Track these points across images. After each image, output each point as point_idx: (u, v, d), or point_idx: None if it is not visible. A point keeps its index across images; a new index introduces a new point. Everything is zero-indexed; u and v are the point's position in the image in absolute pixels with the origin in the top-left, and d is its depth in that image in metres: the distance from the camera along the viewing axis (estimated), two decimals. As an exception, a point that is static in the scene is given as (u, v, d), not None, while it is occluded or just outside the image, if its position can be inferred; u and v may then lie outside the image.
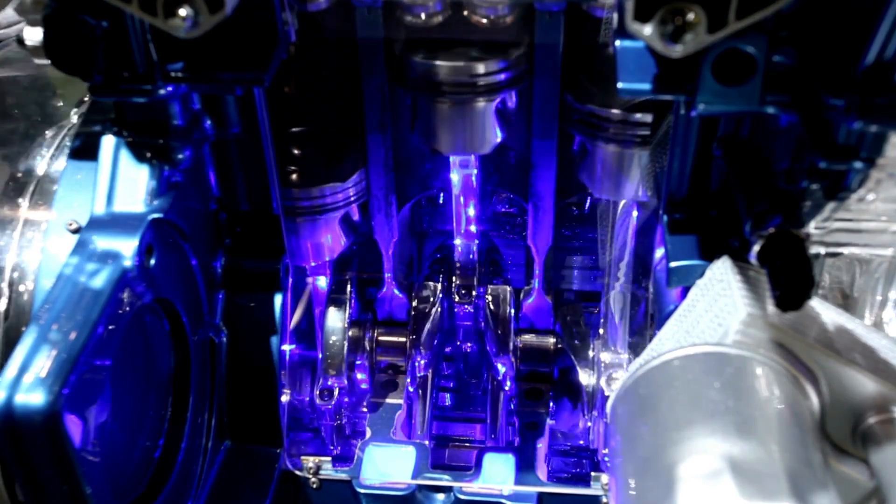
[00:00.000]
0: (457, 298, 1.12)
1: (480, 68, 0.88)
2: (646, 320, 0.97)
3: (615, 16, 0.66)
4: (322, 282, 1.11)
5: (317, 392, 1.10)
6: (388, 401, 1.16)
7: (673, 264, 0.73)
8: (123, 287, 0.72)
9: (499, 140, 0.95)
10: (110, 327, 0.70)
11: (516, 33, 0.89)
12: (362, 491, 1.04)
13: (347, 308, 1.11)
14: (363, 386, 1.16)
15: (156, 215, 0.78)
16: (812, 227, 0.72)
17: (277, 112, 0.91)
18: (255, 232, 0.97)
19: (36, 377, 0.63)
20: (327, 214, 1.00)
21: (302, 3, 0.85)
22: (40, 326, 0.66)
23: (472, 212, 1.09)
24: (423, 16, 0.88)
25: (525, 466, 1.06)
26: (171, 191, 0.82)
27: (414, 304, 1.13)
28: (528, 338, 1.15)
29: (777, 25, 0.60)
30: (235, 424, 1.00)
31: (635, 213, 0.98)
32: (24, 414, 0.63)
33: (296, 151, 0.98)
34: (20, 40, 0.74)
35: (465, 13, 0.88)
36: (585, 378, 1.06)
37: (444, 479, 1.03)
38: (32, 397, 0.63)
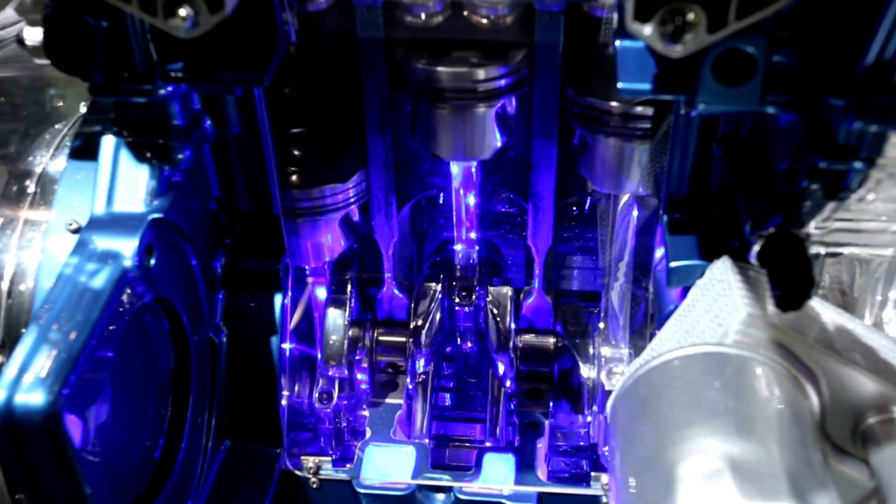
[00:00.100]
0: (457, 300, 1.13)
1: (481, 74, 0.88)
2: (646, 320, 0.97)
3: (615, 16, 0.66)
4: (321, 292, 1.11)
5: (316, 395, 1.10)
6: (388, 401, 1.16)
7: (673, 264, 0.73)
8: (123, 287, 0.72)
9: (499, 145, 0.95)
10: (110, 327, 0.70)
11: (516, 33, 0.89)
12: (362, 491, 1.04)
13: (348, 308, 1.11)
14: (363, 386, 1.16)
15: (156, 215, 0.78)
16: (812, 227, 0.72)
17: (277, 112, 0.91)
18: (255, 232, 0.97)
19: (36, 377, 0.63)
20: (327, 215, 1.00)
21: (302, 3, 0.85)
22: (40, 326, 0.66)
23: (472, 215, 1.09)
24: (423, 16, 0.88)
25: (525, 466, 1.06)
26: (171, 191, 0.82)
27: (414, 302, 1.13)
28: (528, 338, 1.15)
29: (777, 25, 0.60)
30: (235, 424, 1.00)
31: (635, 213, 0.98)
32: (24, 414, 0.63)
33: (296, 152, 0.98)
34: (20, 40, 0.74)
35: (466, 13, 0.88)
36: (586, 371, 1.06)
37: (444, 479, 1.03)
38: (32, 397, 0.63)
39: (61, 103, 0.95)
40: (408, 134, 0.98)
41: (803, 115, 0.62)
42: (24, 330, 0.68)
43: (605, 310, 1.07)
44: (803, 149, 0.65)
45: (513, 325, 1.12)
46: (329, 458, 1.07)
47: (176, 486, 0.88)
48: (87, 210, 0.79)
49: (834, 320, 0.64)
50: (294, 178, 0.97)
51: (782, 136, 0.68)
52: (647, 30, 0.54)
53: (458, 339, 1.18)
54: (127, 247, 0.74)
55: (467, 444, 1.12)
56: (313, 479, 1.05)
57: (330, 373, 1.11)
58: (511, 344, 1.11)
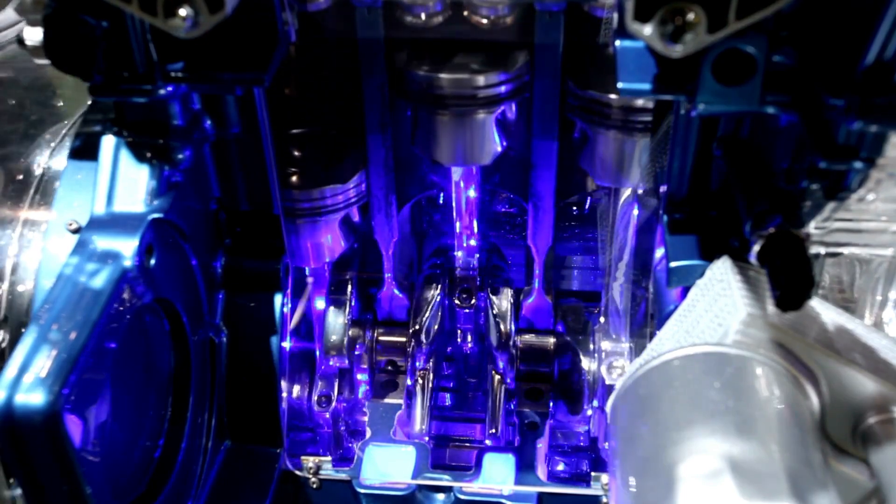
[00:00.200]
0: (458, 302, 1.13)
1: (481, 80, 0.88)
2: (646, 320, 0.97)
3: (615, 16, 0.66)
4: (321, 292, 1.11)
5: (314, 398, 1.10)
6: (388, 401, 1.16)
7: (673, 264, 0.73)
8: (123, 287, 0.72)
9: (499, 150, 0.95)
10: (110, 327, 0.70)
11: (516, 34, 0.89)
12: (362, 491, 1.04)
13: (348, 307, 1.11)
14: (362, 389, 1.16)
15: (156, 215, 0.78)
16: (812, 227, 0.72)
17: (277, 112, 0.91)
18: (255, 232, 0.97)
19: (36, 377, 0.63)
20: (327, 216, 1.00)
21: (302, 3, 0.85)
22: (40, 326, 0.66)
23: (472, 217, 1.09)
24: (423, 16, 0.88)
25: (525, 466, 1.06)
26: (171, 191, 0.82)
27: (414, 303, 1.13)
28: (528, 338, 1.15)
29: (777, 25, 0.60)
30: (235, 424, 1.00)
31: (636, 212, 0.98)
32: (24, 414, 0.63)
33: (296, 153, 0.98)
34: (20, 40, 0.74)
35: (466, 13, 0.88)
36: (587, 364, 1.06)
37: (444, 479, 1.03)
38: (32, 397, 0.63)
39: (61, 103, 0.95)
40: (408, 134, 0.99)
41: (803, 115, 0.62)
42: (24, 330, 0.68)
43: (605, 304, 1.08)
44: (803, 149, 0.65)
45: (513, 326, 1.12)
46: (329, 458, 1.07)
47: (176, 486, 0.88)
48: (87, 210, 0.79)
49: (834, 320, 0.64)
50: (294, 178, 0.97)
51: (782, 136, 0.68)
52: (647, 30, 0.54)
53: (459, 339, 1.18)
54: (127, 247, 0.74)
55: (467, 444, 1.12)
56: (313, 479, 1.05)
57: (331, 362, 1.11)
58: (511, 344, 1.11)
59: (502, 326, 1.11)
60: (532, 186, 1.01)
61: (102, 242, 0.74)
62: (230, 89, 0.81)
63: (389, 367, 1.19)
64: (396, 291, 1.16)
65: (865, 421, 0.59)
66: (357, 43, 0.91)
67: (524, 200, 1.04)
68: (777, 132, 0.69)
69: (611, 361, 1.04)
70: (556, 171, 1.00)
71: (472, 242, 1.12)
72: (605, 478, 1.03)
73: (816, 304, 0.65)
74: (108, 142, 0.80)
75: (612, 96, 0.88)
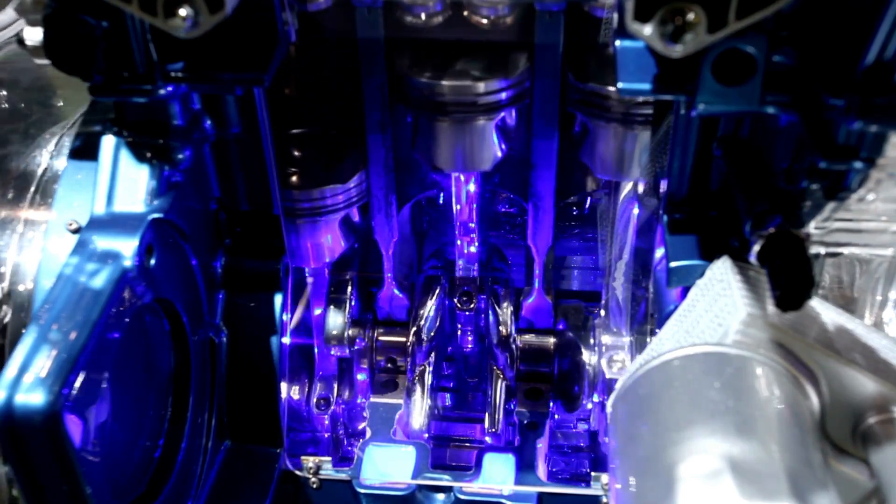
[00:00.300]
0: (458, 305, 1.13)
1: (481, 87, 0.88)
2: (646, 320, 0.97)
3: (615, 16, 0.66)
4: (321, 292, 1.11)
5: (313, 401, 1.10)
6: (388, 401, 1.16)
7: (673, 264, 0.73)
8: (123, 287, 0.72)
9: (500, 156, 0.95)
10: (110, 327, 0.70)
11: (516, 34, 0.89)
12: (362, 491, 1.04)
13: (347, 306, 1.11)
14: (360, 400, 1.16)
15: (156, 215, 0.78)
16: (812, 227, 0.72)
17: (277, 112, 0.91)
18: (255, 232, 0.97)
19: (36, 377, 0.63)
20: (327, 216, 1.00)
21: (302, 3, 0.85)
22: (40, 326, 0.66)
23: (472, 220, 1.09)
24: (423, 16, 0.88)
25: (525, 466, 1.06)
26: (171, 191, 0.82)
27: (414, 303, 1.13)
28: (528, 338, 1.15)
29: (777, 25, 0.60)
30: (235, 424, 1.00)
31: (636, 210, 0.98)
32: (24, 414, 0.63)
33: (296, 153, 0.98)
34: (20, 40, 0.74)
35: (466, 14, 0.88)
36: (587, 356, 1.06)
37: (444, 479, 1.03)
38: (32, 397, 0.63)
39: (61, 103, 0.95)
40: (408, 134, 0.99)
41: (803, 115, 0.62)
42: (24, 330, 0.68)
43: (605, 298, 1.08)
44: (803, 149, 0.65)
45: (513, 327, 1.12)
46: (329, 458, 1.07)
47: (176, 486, 0.88)
48: (87, 210, 0.79)
49: (834, 320, 0.64)
50: (294, 178, 0.97)
51: (782, 136, 0.68)
52: (647, 30, 0.54)
53: (459, 340, 1.18)
54: (127, 247, 0.74)
55: (467, 444, 1.12)
56: (313, 479, 1.05)
57: (332, 352, 1.11)
58: (511, 344, 1.11)
59: (503, 328, 1.11)
60: (532, 186, 1.01)
61: (102, 242, 0.74)
62: (230, 89, 0.81)
63: (389, 365, 1.19)
64: (396, 291, 1.16)
65: (865, 421, 0.59)
66: (357, 43, 0.91)
67: (524, 200, 1.04)
68: (777, 132, 0.69)
69: (611, 355, 1.04)
70: (556, 171, 1.00)
71: (473, 249, 1.12)
72: (605, 478, 1.03)
73: (816, 304, 0.65)
74: (108, 142, 0.80)
75: (612, 89, 0.88)
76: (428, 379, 1.09)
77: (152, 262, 0.77)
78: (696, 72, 0.60)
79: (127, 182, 0.80)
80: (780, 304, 0.58)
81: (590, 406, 1.07)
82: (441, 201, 1.15)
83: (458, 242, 1.12)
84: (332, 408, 1.11)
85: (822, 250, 0.73)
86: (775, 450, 0.53)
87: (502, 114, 0.92)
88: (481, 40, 0.90)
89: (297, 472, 1.05)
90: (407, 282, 1.18)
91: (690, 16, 0.53)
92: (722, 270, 0.68)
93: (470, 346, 1.18)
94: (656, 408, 0.59)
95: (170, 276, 0.82)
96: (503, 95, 0.90)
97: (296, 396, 1.08)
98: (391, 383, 1.19)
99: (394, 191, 1.04)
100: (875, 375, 0.59)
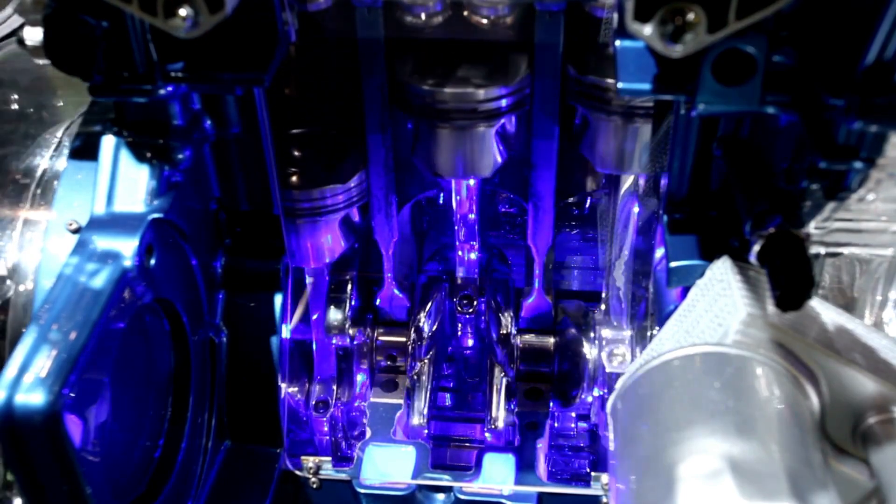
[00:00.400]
0: (459, 309, 1.13)
1: (481, 94, 0.88)
2: (646, 319, 0.97)
3: (615, 16, 0.66)
4: (320, 292, 1.11)
5: (312, 404, 1.10)
6: (388, 401, 1.16)
7: (673, 264, 0.73)
8: (123, 287, 0.72)
9: (500, 162, 0.95)
10: (110, 327, 0.70)
11: (516, 33, 0.89)
12: (362, 491, 1.04)
13: (347, 306, 1.11)
14: (357, 405, 1.16)
15: (156, 215, 0.78)
16: (812, 227, 0.72)
17: (277, 112, 0.91)
18: (255, 232, 0.97)
19: (36, 377, 0.63)
20: (327, 216, 1.00)
21: (302, 3, 0.85)
22: (40, 326, 0.66)
23: (472, 224, 1.09)
24: (423, 16, 0.88)
25: (525, 466, 1.06)
26: (171, 191, 0.82)
27: (415, 303, 1.13)
28: (528, 338, 1.15)
29: (777, 25, 0.60)
30: (235, 424, 1.00)
31: (636, 209, 0.98)
32: (24, 414, 0.63)
33: (296, 153, 0.98)
34: (20, 40, 0.74)
35: (466, 13, 0.88)
36: (587, 350, 1.07)
37: (444, 479, 1.03)
38: (32, 397, 0.63)
39: (61, 103, 0.95)
40: (408, 134, 0.99)
41: (803, 115, 0.62)
42: (24, 330, 0.68)
43: (606, 293, 1.08)
44: (803, 149, 0.65)
45: (513, 327, 1.12)
46: (329, 458, 1.07)
47: (176, 486, 0.88)
48: (87, 210, 0.79)
49: (834, 320, 0.64)
50: (294, 178, 0.97)
51: (782, 136, 0.68)
52: (647, 30, 0.54)
53: (459, 340, 1.18)
54: (127, 247, 0.74)
55: (467, 444, 1.12)
56: (313, 479, 1.05)
57: (333, 341, 1.11)
58: (511, 344, 1.11)
59: (503, 329, 1.11)
60: (532, 186, 1.01)
61: (102, 242, 0.74)
62: (230, 89, 0.81)
63: (389, 363, 1.19)
64: (396, 291, 1.16)
65: (865, 421, 0.59)
66: (357, 43, 0.91)
67: (524, 200, 1.04)
68: (777, 132, 0.69)
69: (612, 349, 1.04)
70: (556, 171, 1.00)
71: (473, 256, 1.12)
72: (605, 478, 1.03)
73: (816, 304, 0.65)
74: (108, 142, 0.80)
75: (613, 81, 0.88)
76: (429, 374, 1.09)
77: (152, 262, 0.77)
78: (696, 72, 0.60)
79: (127, 182, 0.80)
80: (780, 304, 0.58)
81: (590, 399, 1.07)
82: (441, 201, 1.15)
83: (460, 253, 1.12)
84: (331, 410, 1.11)
85: (822, 250, 0.73)
86: (775, 450, 0.53)
87: (502, 120, 0.92)
88: (481, 40, 0.90)
89: (297, 472, 1.05)
90: (407, 282, 1.18)
91: (690, 16, 0.53)
92: (722, 270, 0.68)
93: (470, 346, 1.18)
94: (656, 408, 0.59)
95: (170, 276, 0.82)
96: (503, 102, 0.90)
97: (296, 398, 1.08)
98: (391, 383, 1.19)
99: (394, 191, 1.04)
100: (875, 375, 0.59)
